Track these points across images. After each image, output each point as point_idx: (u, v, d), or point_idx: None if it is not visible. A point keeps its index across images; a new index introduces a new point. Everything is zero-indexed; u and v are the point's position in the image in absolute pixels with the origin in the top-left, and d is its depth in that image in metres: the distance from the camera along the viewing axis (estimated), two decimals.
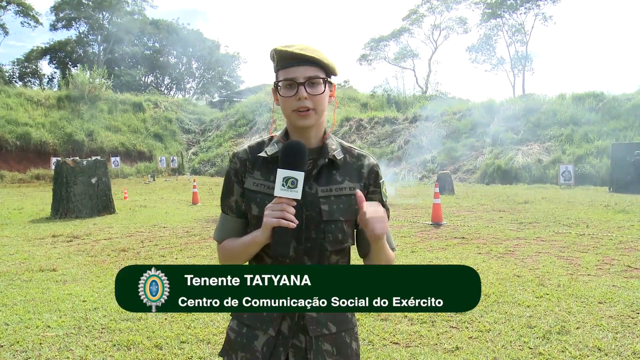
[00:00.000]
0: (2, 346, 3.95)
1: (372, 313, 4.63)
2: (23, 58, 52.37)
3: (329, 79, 1.54)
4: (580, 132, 23.78)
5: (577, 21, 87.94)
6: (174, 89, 61.48)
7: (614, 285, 5.51)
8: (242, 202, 1.59)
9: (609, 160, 19.93)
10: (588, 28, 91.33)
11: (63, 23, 52.64)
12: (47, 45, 53.15)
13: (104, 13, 52.29)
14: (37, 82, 52.00)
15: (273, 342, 1.51)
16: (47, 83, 52.26)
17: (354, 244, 1.64)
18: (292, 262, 1.52)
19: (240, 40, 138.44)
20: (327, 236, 1.52)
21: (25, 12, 47.56)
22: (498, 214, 12.04)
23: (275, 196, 1.41)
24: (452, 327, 4.31)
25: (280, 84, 1.51)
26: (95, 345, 3.96)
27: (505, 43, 50.15)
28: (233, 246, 1.58)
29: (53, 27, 52.95)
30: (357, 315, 4.53)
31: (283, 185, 1.40)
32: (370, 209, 1.41)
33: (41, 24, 50.02)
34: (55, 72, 54.05)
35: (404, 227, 10.18)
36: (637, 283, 5.59)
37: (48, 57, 53.51)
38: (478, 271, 5.76)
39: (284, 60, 1.50)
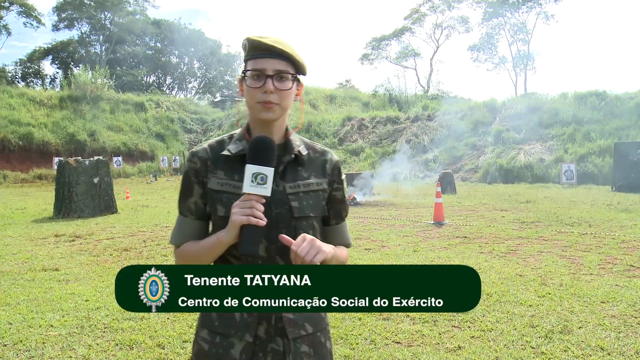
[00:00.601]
0: (5, 345, 3.96)
1: (374, 313, 4.63)
2: (25, 58, 52.45)
3: (297, 77, 1.51)
4: (583, 131, 23.74)
5: (579, 20, 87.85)
6: (176, 89, 61.51)
7: (616, 285, 5.50)
8: (202, 204, 1.53)
9: (611, 159, 19.90)
10: (590, 26, 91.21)
11: (65, 23, 52.70)
12: (50, 46, 53.22)
13: (106, 13, 52.34)
14: (40, 82, 52.11)
15: (251, 349, 1.45)
16: (50, 83, 52.37)
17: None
18: (264, 262, 1.47)
19: (242, 39, 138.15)
20: (299, 233, 1.45)
21: (28, 12, 47.61)
22: (500, 213, 12.03)
23: (244, 193, 1.36)
24: (454, 326, 4.31)
25: (247, 73, 1.47)
26: (97, 344, 3.97)
27: (507, 42, 50.06)
28: (194, 249, 1.50)
29: (55, 28, 53.04)
30: (359, 314, 4.55)
31: (252, 181, 1.35)
32: (300, 244, 1.38)
33: (43, 24, 50.09)
34: (57, 72, 54.16)
35: (406, 226, 10.18)
36: None
37: (50, 57, 53.58)
38: (480, 271, 5.77)
39: (255, 50, 1.46)
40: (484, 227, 9.86)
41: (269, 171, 1.36)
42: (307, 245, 1.37)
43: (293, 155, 1.53)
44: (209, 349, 1.49)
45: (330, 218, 1.63)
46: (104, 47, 53.89)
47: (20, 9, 47.14)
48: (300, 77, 1.55)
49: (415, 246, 7.93)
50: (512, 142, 25.39)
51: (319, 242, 1.40)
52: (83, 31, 53.99)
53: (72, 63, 51.52)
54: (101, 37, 53.55)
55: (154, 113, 37.50)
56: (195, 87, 62.84)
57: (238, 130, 1.59)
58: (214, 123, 40.28)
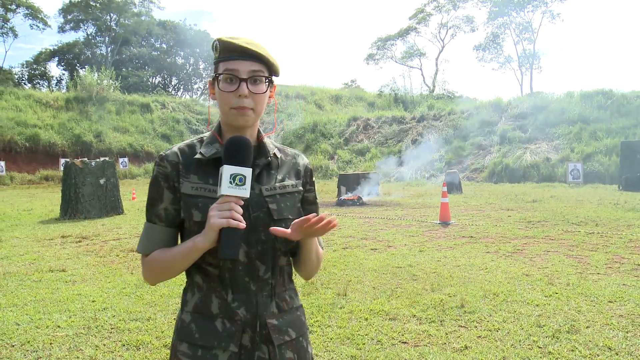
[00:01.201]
0: (13, 346, 3.97)
1: (380, 313, 4.62)
2: (32, 60, 52.77)
3: (271, 78, 1.46)
4: (589, 130, 23.64)
5: (585, 18, 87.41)
6: (182, 90, 61.67)
7: (624, 284, 5.47)
8: (172, 210, 1.46)
9: (618, 158, 19.81)
10: (596, 25, 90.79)
11: (71, 25, 52.96)
12: (56, 47, 53.53)
13: (112, 15, 52.58)
14: (46, 83, 52.39)
15: (237, 359, 1.39)
16: (56, 85, 52.64)
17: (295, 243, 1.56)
18: (245, 268, 1.42)
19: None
20: (278, 237, 1.43)
21: (34, 14, 47.87)
22: (506, 212, 11.99)
23: (222, 195, 1.31)
24: (461, 326, 4.30)
25: (220, 76, 1.41)
26: (104, 345, 3.98)
27: (513, 41, 49.89)
28: (166, 257, 1.42)
29: (61, 29, 53.32)
30: (365, 314, 4.54)
31: (230, 182, 1.29)
32: (294, 222, 1.39)
33: (50, 26, 50.34)
34: (63, 74, 54.45)
35: (412, 226, 10.16)
36: None
37: (56, 59, 53.88)
38: (486, 270, 5.78)
39: (228, 52, 1.40)
40: (490, 226, 9.83)
41: (248, 172, 1.32)
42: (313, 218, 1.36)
43: (269, 158, 1.50)
44: None
45: None
46: (109, 49, 54.12)
47: (26, 11, 47.41)
48: (273, 77, 1.50)
49: (422, 246, 7.92)
50: (518, 141, 25.32)
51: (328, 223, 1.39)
52: (89, 33, 54.31)
53: (78, 64, 51.79)
54: (107, 38, 53.78)
55: (159, 114, 37.60)
56: (200, 87, 62.94)
57: (207, 133, 1.53)
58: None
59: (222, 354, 1.40)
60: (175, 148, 1.49)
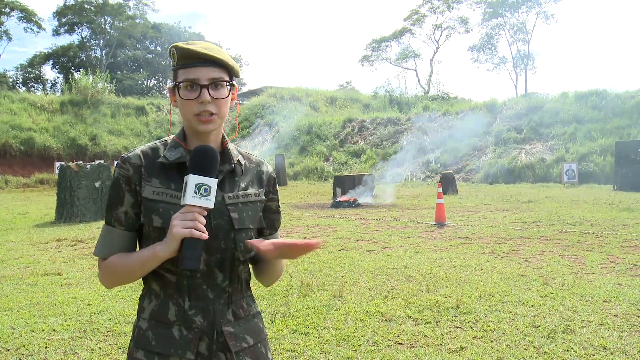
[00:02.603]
0: (8, 350, 3.96)
1: (376, 315, 4.63)
2: (26, 63, 52.61)
3: (232, 82, 1.45)
4: (584, 130, 23.73)
5: (579, 19, 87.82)
6: None
7: (619, 284, 5.49)
8: (132, 214, 1.43)
9: (612, 158, 19.89)
10: (590, 26, 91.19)
11: (65, 28, 52.84)
12: (50, 51, 53.38)
13: (106, 18, 52.47)
14: (41, 87, 52.22)
15: None
16: (50, 88, 52.47)
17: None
18: (203, 276, 1.41)
19: (242, 42, 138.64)
20: (239, 245, 1.44)
21: (28, 17, 47.74)
22: (502, 213, 12.02)
23: (186, 204, 1.29)
24: (457, 327, 4.31)
25: (180, 84, 1.40)
26: (100, 348, 3.97)
27: (507, 42, 50.19)
28: (124, 263, 1.40)
29: (56, 33, 53.18)
30: (361, 316, 4.55)
31: (195, 192, 1.28)
32: (275, 242, 1.38)
33: (44, 29, 50.24)
34: (58, 77, 54.31)
35: (407, 227, 10.18)
36: None
37: (51, 62, 53.72)
38: (482, 271, 5.79)
39: (186, 59, 1.39)
40: (485, 227, 9.86)
41: (213, 182, 1.31)
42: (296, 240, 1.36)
43: (232, 165, 1.49)
44: None
45: (264, 229, 1.58)
46: (104, 52, 54.00)
47: (20, 15, 47.27)
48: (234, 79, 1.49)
49: (417, 247, 7.93)
50: (513, 142, 25.39)
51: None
52: (83, 36, 54.17)
53: (72, 67, 51.62)
54: (101, 41, 53.67)
55: (155, 117, 37.51)
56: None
57: (171, 136, 1.52)
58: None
59: None
60: (138, 150, 1.47)
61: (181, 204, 1.31)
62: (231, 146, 1.53)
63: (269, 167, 1.62)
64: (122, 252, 1.43)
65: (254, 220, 1.50)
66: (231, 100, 1.46)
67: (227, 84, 1.43)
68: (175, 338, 1.40)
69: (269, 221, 1.60)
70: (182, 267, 1.29)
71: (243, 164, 1.53)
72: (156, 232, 1.40)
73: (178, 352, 1.39)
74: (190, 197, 1.28)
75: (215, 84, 1.40)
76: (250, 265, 1.58)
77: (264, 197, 1.56)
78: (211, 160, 1.34)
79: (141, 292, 1.52)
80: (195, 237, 1.27)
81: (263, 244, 1.37)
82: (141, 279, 1.47)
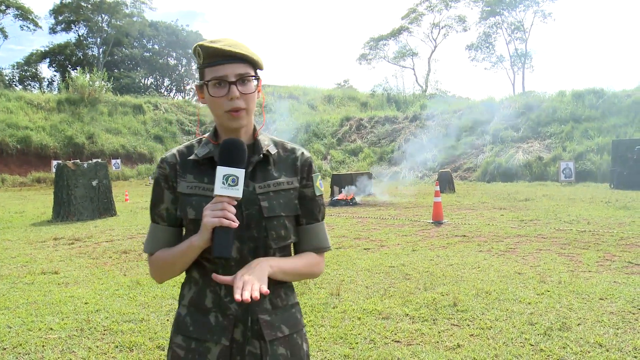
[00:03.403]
0: (5, 349, 3.96)
1: (373, 313, 4.64)
2: (23, 61, 52.48)
3: (258, 76, 1.48)
4: (581, 129, 23.79)
5: (576, 18, 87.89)
6: (174, 91, 61.53)
7: (615, 282, 5.51)
8: (173, 210, 1.51)
9: (609, 156, 19.94)
10: (587, 24, 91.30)
11: (62, 26, 52.72)
12: (47, 49, 53.26)
13: (103, 16, 52.35)
14: (37, 85, 52.15)
15: (228, 352, 1.43)
16: (47, 86, 52.40)
17: (297, 240, 1.58)
18: (237, 264, 1.44)
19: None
20: (270, 233, 1.46)
21: (25, 15, 47.63)
22: (499, 211, 12.04)
23: (215, 195, 1.35)
24: (454, 324, 4.32)
25: (208, 83, 1.43)
26: (97, 347, 3.97)
27: (505, 41, 50.08)
28: (167, 256, 1.48)
29: (52, 30, 53.08)
30: (358, 314, 4.55)
31: (223, 183, 1.34)
32: (243, 277, 1.34)
33: (40, 27, 50.16)
34: (55, 75, 54.20)
35: (405, 226, 10.19)
36: (638, 279, 5.59)
37: (48, 60, 53.61)
38: (479, 269, 5.80)
39: (211, 57, 1.42)
40: (482, 225, 9.87)
41: (240, 173, 1.35)
42: (241, 284, 1.31)
43: (261, 155, 1.51)
44: (184, 355, 1.47)
45: (300, 217, 1.58)
46: (101, 50, 53.89)
47: (16, 12, 47.18)
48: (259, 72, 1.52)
49: (414, 245, 7.94)
50: (510, 140, 25.44)
51: (253, 273, 1.35)
52: (80, 34, 54.07)
53: (69, 66, 51.54)
54: (98, 39, 53.55)
55: (152, 115, 37.46)
56: (193, 88, 62.69)
57: (206, 135, 1.58)
58: (212, 125, 40.01)
59: (214, 347, 1.44)
60: (174, 150, 1.55)
61: (213, 195, 1.36)
62: (262, 137, 1.56)
63: (304, 154, 1.61)
64: (167, 247, 1.51)
65: (286, 208, 1.51)
66: (257, 92, 1.50)
67: (254, 78, 1.46)
68: (212, 324, 1.45)
69: (305, 209, 1.58)
70: (213, 255, 1.34)
71: (274, 152, 1.54)
72: (192, 224, 1.46)
73: (214, 337, 1.44)
74: (219, 188, 1.34)
75: (242, 79, 1.43)
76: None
77: (297, 185, 1.56)
78: (238, 151, 1.38)
79: (183, 280, 1.58)
80: (225, 225, 1.32)
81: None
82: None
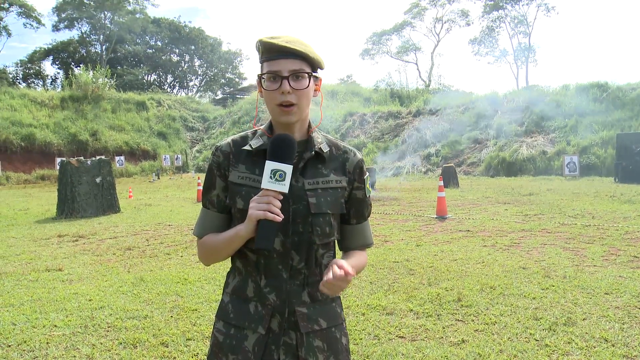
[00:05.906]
0: (9, 346, 3.96)
1: (377, 308, 4.63)
2: (26, 59, 52.51)
3: (314, 74, 1.50)
4: (585, 122, 23.67)
5: (580, 11, 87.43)
6: (177, 87, 61.58)
7: (620, 276, 5.49)
8: (223, 197, 1.56)
9: (614, 150, 19.85)
10: (591, 18, 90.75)
11: (65, 23, 52.72)
12: (50, 46, 53.28)
13: (106, 13, 52.33)
14: (41, 83, 52.16)
15: (264, 341, 1.48)
16: (51, 84, 52.43)
17: (340, 238, 1.64)
18: (279, 256, 1.48)
19: (242, 37, 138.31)
20: (315, 229, 1.49)
21: (28, 13, 47.63)
22: (503, 206, 12.01)
23: (262, 189, 1.38)
24: (458, 320, 4.30)
25: (264, 76, 1.47)
26: (101, 343, 3.98)
27: (508, 35, 50.00)
28: (214, 241, 1.54)
29: (55, 28, 53.08)
30: (362, 309, 4.54)
31: (271, 177, 1.37)
32: (331, 278, 1.37)
33: (43, 24, 50.11)
34: (58, 73, 54.28)
35: (409, 220, 10.17)
36: None
37: (51, 57, 53.62)
38: (483, 264, 5.78)
39: (269, 52, 1.46)
40: (487, 220, 9.84)
41: (288, 168, 1.38)
42: (337, 284, 1.38)
43: (313, 152, 1.54)
44: (223, 340, 1.53)
45: (350, 217, 1.64)
46: (104, 47, 53.93)
47: (20, 10, 47.18)
48: (319, 71, 1.55)
49: (419, 240, 7.92)
50: (514, 135, 25.34)
51: (346, 276, 1.38)
52: (83, 31, 54.06)
53: (72, 63, 51.54)
54: (101, 36, 53.58)
55: (155, 112, 37.51)
56: (196, 85, 62.89)
57: (261, 127, 1.61)
58: (215, 121, 40.29)
59: (252, 335, 1.49)
60: (229, 139, 1.60)
61: (261, 187, 1.39)
62: (316, 134, 1.59)
63: (356, 155, 1.64)
64: (215, 232, 1.56)
65: (332, 206, 1.53)
66: (315, 91, 1.54)
67: (308, 75, 1.47)
68: (251, 313, 1.51)
69: (356, 210, 1.64)
70: (255, 246, 1.38)
71: (326, 151, 1.57)
72: (240, 213, 1.50)
73: (252, 325, 1.50)
74: (266, 182, 1.37)
75: (295, 75, 1.46)
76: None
77: (345, 185, 1.58)
78: (287, 147, 1.41)
79: (228, 269, 1.64)
80: (269, 219, 1.35)
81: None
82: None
